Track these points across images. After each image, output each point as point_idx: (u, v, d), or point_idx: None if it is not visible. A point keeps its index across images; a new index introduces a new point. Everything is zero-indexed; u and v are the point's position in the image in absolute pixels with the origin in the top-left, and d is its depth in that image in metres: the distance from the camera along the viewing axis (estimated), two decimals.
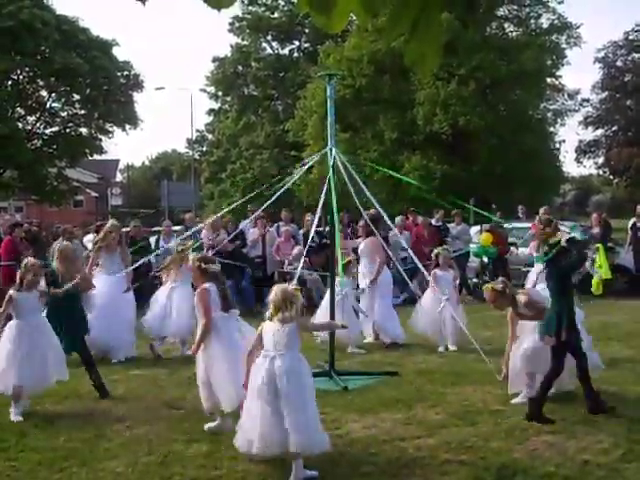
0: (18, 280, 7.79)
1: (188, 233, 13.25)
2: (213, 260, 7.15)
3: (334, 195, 9.19)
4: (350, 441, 6.53)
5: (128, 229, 17.13)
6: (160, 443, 6.57)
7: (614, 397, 7.78)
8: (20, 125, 35.89)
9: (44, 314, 8.17)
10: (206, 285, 6.76)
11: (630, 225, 17.30)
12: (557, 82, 37.41)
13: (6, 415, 7.60)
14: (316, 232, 16.24)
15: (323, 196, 9.45)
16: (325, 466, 5.90)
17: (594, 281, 15.23)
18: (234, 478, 5.70)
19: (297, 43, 50.72)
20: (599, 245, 15.61)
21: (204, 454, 6.23)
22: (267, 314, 6.06)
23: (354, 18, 2.57)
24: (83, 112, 37.60)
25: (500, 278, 8.23)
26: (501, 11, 37.63)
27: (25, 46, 32.27)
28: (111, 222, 11.67)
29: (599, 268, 15.30)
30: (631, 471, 5.66)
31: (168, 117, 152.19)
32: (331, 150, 9.38)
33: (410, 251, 11.00)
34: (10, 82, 35.08)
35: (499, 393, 7.91)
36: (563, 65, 36.22)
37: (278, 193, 10.40)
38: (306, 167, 11.36)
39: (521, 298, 7.43)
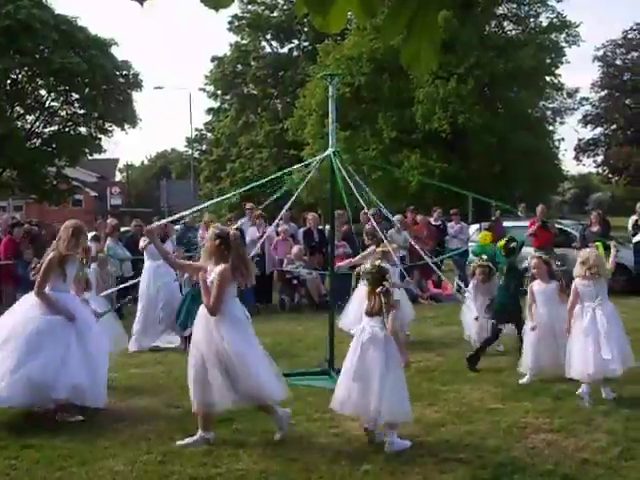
0: None
1: None
2: None
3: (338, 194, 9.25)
4: (348, 439, 6.54)
5: (128, 228, 17.18)
6: (159, 442, 6.58)
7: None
8: (19, 124, 35.81)
9: None
10: None
11: (632, 223, 17.22)
12: (556, 80, 37.41)
13: (5, 413, 7.62)
14: (317, 230, 16.31)
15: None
16: (323, 464, 5.92)
17: None
18: (234, 476, 5.71)
19: (296, 42, 50.72)
20: (598, 243, 15.64)
21: (203, 452, 6.24)
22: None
23: (353, 17, 2.58)
24: (82, 111, 37.51)
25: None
26: (500, 9, 37.64)
27: (23, 45, 32.20)
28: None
29: None
30: (629, 469, 5.68)
31: (167, 116, 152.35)
32: (334, 153, 9.38)
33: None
34: (9, 81, 34.98)
35: (497, 391, 7.94)
36: (562, 64, 36.21)
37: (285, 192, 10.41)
38: (311, 171, 11.33)
39: None
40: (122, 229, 17.25)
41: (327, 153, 9.47)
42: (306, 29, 48.20)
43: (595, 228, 16.54)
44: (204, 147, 59.74)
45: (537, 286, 8.66)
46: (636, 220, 17.08)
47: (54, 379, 7.02)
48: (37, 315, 7.33)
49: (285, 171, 11.22)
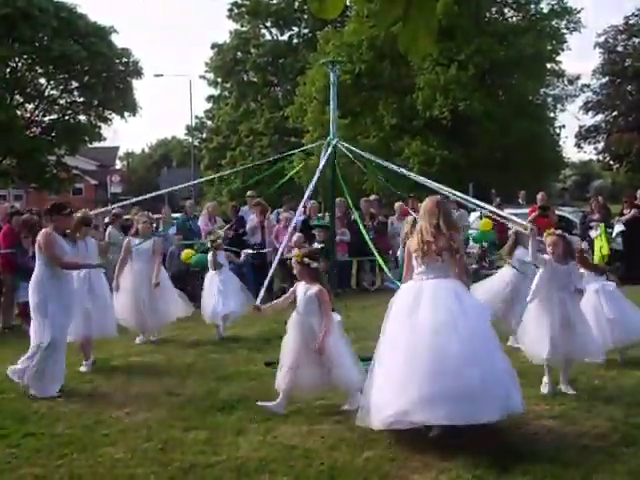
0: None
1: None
2: None
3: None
4: (349, 426, 6.53)
5: (129, 216, 17.13)
6: (159, 429, 6.59)
7: (612, 382, 7.81)
8: (19, 113, 35.81)
9: None
10: None
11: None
12: (557, 67, 37.28)
13: (6, 402, 7.64)
14: (317, 218, 16.28)
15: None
16: (324, 451, 5.92)
17: (595, 261, 15.26)
18: (233, 464, 5.71)
19: (296, 29, 50.59)
20: (601, 224, 15.69)
21: (203, 440, 6.25)
22: None
23: (352, 3, 2.56)
24: (82, 99, 37.55)
25: None
26: None
27: (23, 34, 32.19)
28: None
29: (600, 250, 15.36)
30: (628, 455, 5.67)
31: (167, 104, 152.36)
32: (335, 144, 9.36)
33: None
34: (8, 70, 34.97)
35: None
36: (563, 50, 36.08)
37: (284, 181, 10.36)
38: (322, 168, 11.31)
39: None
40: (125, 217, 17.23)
41: (332, 143, 9.43)
42: (306, 16, 48.09)
43: (596, 216, 16.53)
44: (204, 135, 59.69)
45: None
46: (621, 210, 17.24)
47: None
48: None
49: (284, 154, 11.21)
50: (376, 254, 10.95)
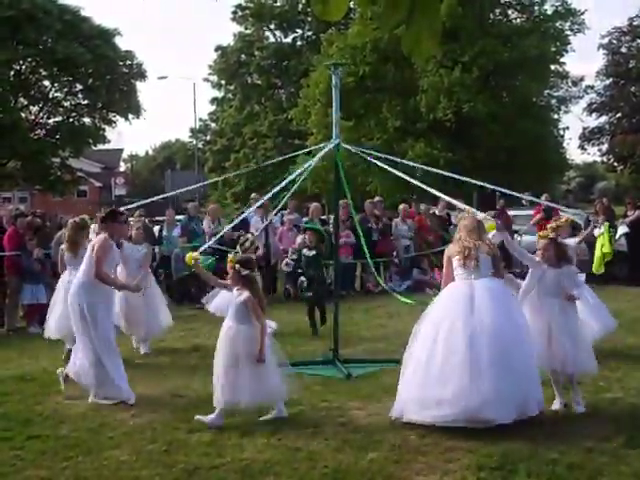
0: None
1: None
2: None
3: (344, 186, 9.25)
4: (353, 428, 6.54)
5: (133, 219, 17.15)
6: (164, 431, 6.60)
7: (617, 383, 7.80)
8: (23, 115, 35.80)
9: None
10: None
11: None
12: (561, 69, 37.22)
13: (11, 404, 7.65)
14: (320, 220, 16.30)
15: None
16: (328, 453, 5.92)
17: (595, 259, 15.28)
18: (238, 466, 5.72)
19: (300, 31, 50.52)
20: (605, 223, 15.70)
21: (207, 442, 6.26)
22: None
23: (356, 5, 2.57)
24: (86, 102, 37.53)
25: None
26: None
27: (27, 36, 32.18)
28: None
29: (602, 247, 15.36)
30: (633, 457, 5.66)
31: (171, 106, 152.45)
32: (338, 145, 9.39)
33: None
34: (12, 72, 34.95)
35: None
36: (567, 52, 35.99)
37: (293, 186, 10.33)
38: (312, 163, 11.31)
39: None
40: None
41: (332, 144, 9.46)
42: (309, 19, 48.06)
43: (600, 218, 16.55)
44: (208, 137, 59.68)
45: None
46: (625, 212, 17.30)
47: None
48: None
49: (288, 156, 11.22)
50: (368, 258, 11.00)
